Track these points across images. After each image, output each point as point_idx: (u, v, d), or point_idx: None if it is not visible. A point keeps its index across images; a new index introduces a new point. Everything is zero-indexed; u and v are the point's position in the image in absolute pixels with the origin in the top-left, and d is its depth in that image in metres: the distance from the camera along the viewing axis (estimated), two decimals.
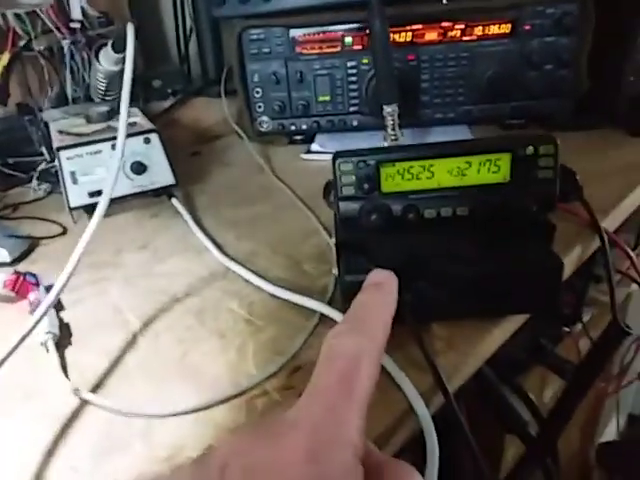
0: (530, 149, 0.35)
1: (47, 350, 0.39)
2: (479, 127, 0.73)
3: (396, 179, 0.37)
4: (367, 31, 0.67)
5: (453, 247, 0.37)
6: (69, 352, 0.40)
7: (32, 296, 0.45)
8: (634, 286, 0.81)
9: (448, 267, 0.36)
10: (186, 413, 0.34)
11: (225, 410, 0.34)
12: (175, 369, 0.38)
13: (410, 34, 0.67)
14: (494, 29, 0.65)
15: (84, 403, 0.35)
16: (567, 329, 0.74)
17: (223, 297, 0.45)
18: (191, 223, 0.57)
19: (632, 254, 0.47)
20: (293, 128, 0.73)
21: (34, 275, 0.46)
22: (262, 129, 0.74)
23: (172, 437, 0.32)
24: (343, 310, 0.40)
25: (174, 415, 0.34)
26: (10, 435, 0.34)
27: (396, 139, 0.51)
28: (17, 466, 0.31)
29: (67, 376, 0.37)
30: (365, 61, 0.68)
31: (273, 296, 0.44)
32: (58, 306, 0.45)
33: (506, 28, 0.65)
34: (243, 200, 0.63)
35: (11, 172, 0.67)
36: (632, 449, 1.00)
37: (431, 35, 0.67)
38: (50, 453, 0.32)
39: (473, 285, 0.36)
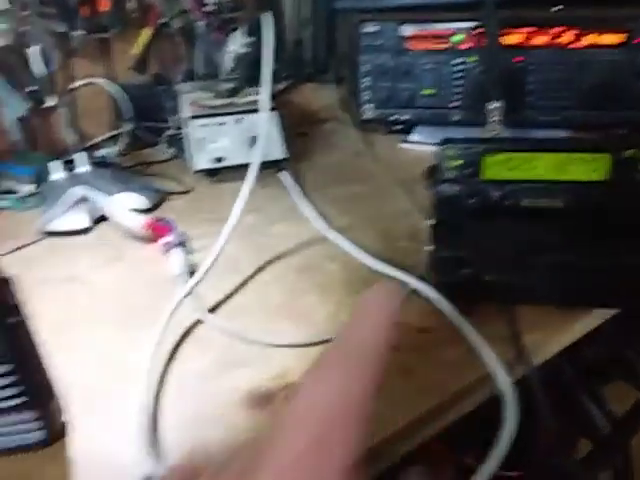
0: (630, 152, 0.38)
1: (181, 283, 0.47)
2: (580, 134, 0.74)
3: (498, 168, 0.41)
4: (476, 30, 0.70)
5: (545, 237, 0.40)
6: (197, 287, 0.48)
7: (167, 238, 0.53)
8: None
9: (538, 255, 0.40)
10: (292, 346, 0.40)
11: (325, 349, 0.40)
12: (284, 311, 0.44)
13: (521, 36, 0.69)
14: (607, 39, 0.66)
15: (210, 326, 0.42)
16: None
17: (324, 260, 0.51)
18: (297, 195, 0.63)
19: None
20: (395, 118, 0.77)
21: (169, 220, 0.54)
22: (366, 117, 0.79)
23: (283, 362, 0.39)
24: (433, 285, 0.45)
25: (285, 346, 0.40)
26: (149, 346, 0.41)
27: (497, 135, 0.55)
28: (155, 371, 0.38)
29: (197, 304, 0.45)
30: (471, 59, 0.71)
31: (368, 266, 0.50)
32: (188, 250, 0.53)
33: (620, 38, 0.66)
34: (344, 180, 0.69)
35: (144, 134, 0.76)
36: None
37: (542, 39, 0.69)
38: (182, 362, 0.39)
39: (560, 274, 0.39)
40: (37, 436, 0.32)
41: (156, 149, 0.77)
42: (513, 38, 0.69)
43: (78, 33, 0.70)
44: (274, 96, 0.86)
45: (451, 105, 0.74)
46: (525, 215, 0.41)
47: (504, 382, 0.35)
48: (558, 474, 0.42)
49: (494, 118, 0.54)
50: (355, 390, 0.18)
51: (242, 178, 0.70)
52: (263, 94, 0.51)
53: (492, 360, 0.37)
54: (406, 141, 0.77)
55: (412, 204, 0.60)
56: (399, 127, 0.80)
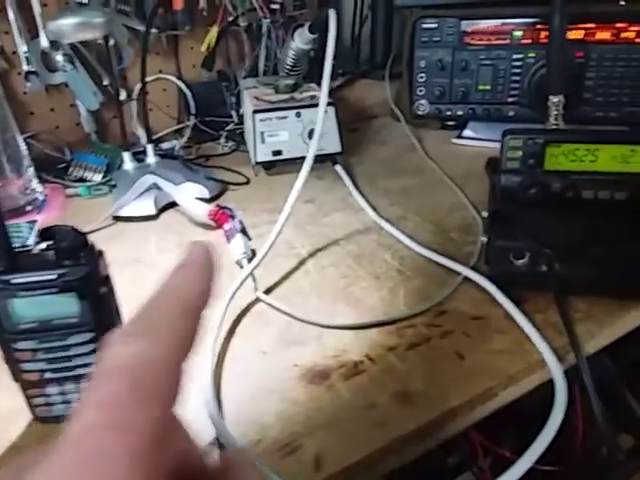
0: None
1: (241, 267, 0.49)
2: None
3: (560, 159, 0.41)
4: (537, 26, 0.69)
5: (604, 228, 0.40)
6: (256, 271, 0.50)
7: (228, 225, 0.55)
8: None
9: (597, 246, 0.40)
10: (349, 328, 0.42)
11: (379, 332, 0.41)
12: (339, 295, 0.46)
13: (582, 32, 0.68)
14: None
15: (269, 307, 0.45)
16: None
17: (378, 248, 0.53)
18: (351, 187, 0.65)
19: None
20: (449, 113, 0.78)
21: (231, 209, 0.57)
22: (419, 112, 0.79)
23: (338, 343, 0.40)
24: (488, 274, 0.45)
25: (340, 328, 0.41)
26: (211, 324, 0.42)
27: (558, 129, 0.54)
28: (217, 346, 0.41)
29: (256, 286, 0.47)
30: (532, 54, 0.70)
31: (421, 255, 0.51)
32: (247, 237, 0.56)
33: None
34: (396, 173, 0.70)
35: (205, 129, 0.80)
36: None
37: (604, 34, 0.67)
38: (243, 340, 0.42)
39: (618, 266, 0.39)
40: None
41: (217, 143, 0.80)
42: (574, 33, 0.68)
43: (152, 31, 0.74)
44: (331, 91, 0.88)
45: (507, 101, 0.74)
46: (586, 206, 0.41)
47: (555, 369, 0.36)
48: (598, 469, 0.41)
49: (555, 112, 0.54)
50: (160, 352, 0.14)
51: (298, 170, 0.72)
52: (323, 89, 0.53)
53: (543, 348, 0.37)
54: (459, 137, 0.77)
55: (463, 198, 0.60)
56: (452, 123, 0.80)
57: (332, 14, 0.55)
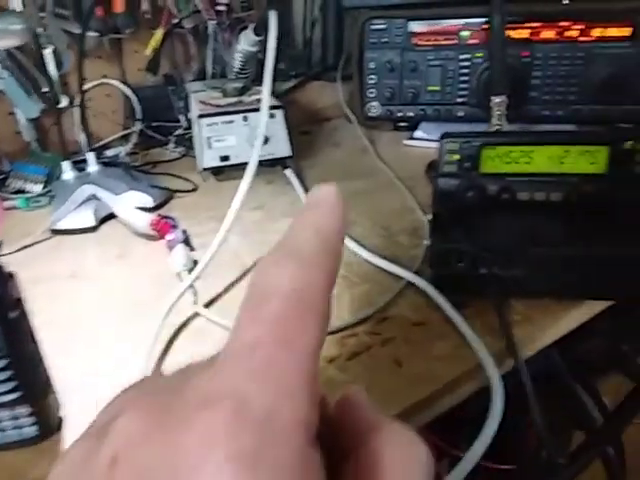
0: (629, 144, 0.37)
1: (181, 279, 0.48)
2: (587, 128, 0.73)
3: (495, 161, 0.41)
4: (484, 26, 0.69)
5: (542, 230, 0.40)
6: (198, 283, 0.49)
7: (170, 236, 0.54)
8: None
9: (534, 247, 0.40)
10: None
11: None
12: None
13: (527, 31, 0.68)
14: (613, 32, 0.65)
15: (205, 320, 0.43)
16: None
17: None
18: (300, 191, 0.64)
19: None
20: (400, 115, 0.78)
21: (173, 218, 0.55)
22: (371, 114, 0.79)
23: None
24: (430, 278, 0.45)
25: None
26: (146, 341, 0.41)
27: (501, 129, 0.55)
28: (149, 366, 0.39)
29: (195, 299, 0.45)
30: (479, 55, 0.71)
31: (367, 261, 0.50)
32: (191, 247, 0.54)
33: (626, 31, 0.65)
34: (348, 176, 0.69)
35: (153, 134, 0.78)
36: None
37: (548, 33, 0.68)
38: (176, 355, 0.40)
39: (557, 266, 0.39)
40: (31, 431, 0.32)
41: (166, 148, 0.78)
42: (520, 33, 0.69)
43: (92, 34, 0.72)
44: (282, 94, 0.87)
45: (456, 101, 0.74)
46: (522, 208, 0.41)
47: (492, 374, 0.35)
48: (547, 467, 0.42)
49: (498, 112, 0.54)
50: (313, 278, 0.15)
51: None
52: (264, 92, 0.52)
53: (482, 353, 0.37)
54: (410, 138, 0.77)
55: (414, 200, 0.60)
56: (404, 124, 0.80)
57: (273, 15, 0.54)
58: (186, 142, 0.76)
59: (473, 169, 0.41)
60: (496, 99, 0.53)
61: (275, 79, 0.87)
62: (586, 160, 0.39)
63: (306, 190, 0.65)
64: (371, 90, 0.77)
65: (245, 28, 0.65)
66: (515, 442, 0.63)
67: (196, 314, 0.44)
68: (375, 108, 0.79)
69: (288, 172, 0.68)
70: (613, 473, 0.64)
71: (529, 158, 0.40)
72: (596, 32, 0.66)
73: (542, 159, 0.39)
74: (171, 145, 0.77)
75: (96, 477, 0.13)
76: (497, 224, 0.41)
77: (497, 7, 0.52)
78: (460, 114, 0.75)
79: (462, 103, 0.74)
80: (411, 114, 0.77)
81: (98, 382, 0.38)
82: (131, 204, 0.58)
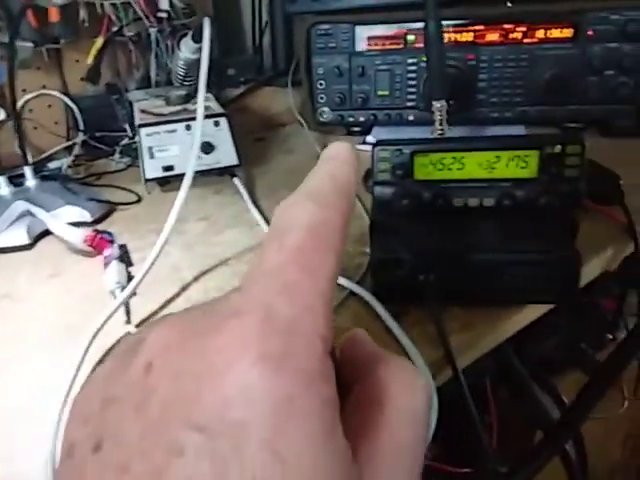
0: (558, 148, 0.37)
1: (114, 297, 0.46)
2: (536, 128, 0.74)
3: (429, 168, 0.40)
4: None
5: (477, 235, 0.40)
6: (132, 300, 0.47)
7: (107, 252, 0.52)
8: None
9: (470, 253, 0.39)
10: None
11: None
12: None
13: (471, 34, 0.69)
14: (556, 33, 0.66)
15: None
16: (611, 336, 0.73)
17: None
18: (248, 201, 0.62)
19: None
20: (351, 120, 0.77)
21: (110, 234, 0.53)
22: (322, 119, 0.78)
23: None
24: (371, 287, 0.44)
25: None
26: (71, 365, 0.40)
27: (442, 134, 0.54)
28: (73, 393, 0.37)
29: (128, 319, 0.44)
30: (425, 59, 0.70)
31: None
32: (128, 262, 0.52)
33: (568, 33, 0.65)
34: (298, 184, 0.67)
35: (97, 145, 0.75)
36: None
37: (492, 36, 0.68)
38: None
39: (493, 272, 0.39)
40: None
41: (111, 159, 0.76)
42: (464, 36, 0.69)
43: (26, 44, 0.69)
44: (231, 101, 0.86)
45: (406, 105, 0.73)
46: (458, 214, 0.40)
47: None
48: (501, 469, 0.41)
49: (439, 117, 0.54)
50: (330, 217, 0.16)
51: (194, 186, 0.69)
52: (199, 101, 0.50)
53: (419, 362, 0.36)
54: (363, 142, 0.76)
55: (362, 206, 0.59)
56: (357, 129, 0.80)
57: (206, 22, 0.52)
58: (132, 152, 0.74)
59: (407, 176, 0.40)
60: (437, 104, 0.53)
61: (224, 86, 0.86)
62: (517, 165, 0.38)
63: (254, 199, 0.63)
64: (321, 95, 0.77)
65: (185, 35, 0.64)
66: (472, 444, 0.63)
67: (128, 334, 0.42)
68: (326, 113, 0.78)
69: (236, 181, 0.66)
70: (573, 472, 0.64)
71: (461, 164, 0.39)
72: (539, 34, 0.67)
73: (474, 165, 0.39)
74: (117, 155, 0.75)
75: (131, 383, 0.14)
76: (433, 231, 0.41)
77: (432, 13, 0.52)
78: (411, 118, 0.75)
79: (412, 107, 0.74)
80: (362, 119, 0.76)
81: (19, 409, 0.36)
82: (67, 219, 0.56)
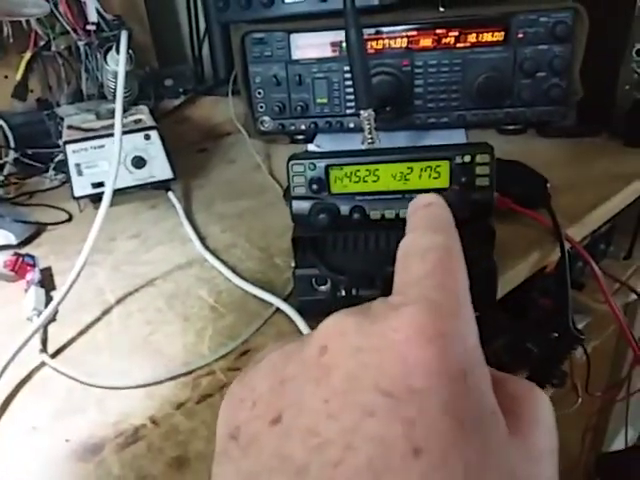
0: (467, 157, 0.37)
1: (32, 323, 0.44)
2: (476, 131, 0.74)
3: (345, 181, 0.39)
4: (365, 36, 0.69)
5: (395, 247, 0.39)
6: (51, 326, 0.45)
7: (29, 276, 0.50)
8: (633, 295, 0.80)
9: (391, 266, 0.38)
10: (137, 387, 0.38)
11: (172, 386, 0.38)
12: (138, 346, 0.42)
13: (405, 40, 0.68)
14: (487, 36, 0.66)
15: (52, 370, 0.40)
16: (556, 334, 0.73)
17: (195, 284, 0.49)
18: (182, 215, 0.61)
19: (593, 262, 0.48)
20: (292, 128, 0.76)
21: (32, 257, 0.51)
22: (263, 128, 0.77)
23: (122, 406, 0.36)
24: (295, 304, 0.43)
25: (126, 388, 0.37)
26: None
27: (372, 142, 0.54)
28: None
29: (43, 347, 0.42)
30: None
31: (238, 287, 0.48)
32: (50, 286, 0.50)
33: (499, 36, 0.66)
34: (236, 196, 0.67)
35: (29, 162, 0.73)
36: (635, 460, 0.98)
37: (425, 41, 0.68)
38: (15, 413, 0.37)
39: None
40: None
41: (45, 176, 0.73)
42: (398, 42, 0.69)
43: None
44: (170, 112, 0.84)
45: (345, 112, 0.73)
46: (375, 227, 0.40)
47: None
48: None
49: (368, 126, 0.53)
50: (453, 241, 0.20)
51: (129, 201, 0.67)
52: (117, 116, 0.49)
53: None
54: (306, 151, 0.75)
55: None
56: (301, 137, 0.79)
57: (123, 35, 0.51)
58: (66, 169, 0.72)
59: (323, 190, 0.40)
60: (364, 113, 0.52)
61: (162, 96, 0.84)
62: (429, 176, 0.38)
63: (189, 213, 0.62)
64: (260, 104, 0.76)
65: (111, 48, 0.62)
66: None
67: (42, 364, 0.41)
68: (267, 122, 0.77)
69: (171, 195, 0.65)
70: None
71: (375, 176, 0.39)
72: (471, 38, 0.67)
73: (388, 177, 0.38)
74: (51, 172, 0.72)
75: (307, 364, 0.16)
76: (353, 245, 0.40)
77: (351, 21, 0.51)
78: (351, 125, 0.74)
79: (352, 114, 0.73)
80: (303, 127, 0.76)
81: None
82: None
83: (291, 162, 0.40)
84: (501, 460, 0.14)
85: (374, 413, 0.14)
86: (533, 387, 0.18)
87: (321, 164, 0.39)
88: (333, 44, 0.71)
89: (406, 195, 0.39)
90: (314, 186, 0.40)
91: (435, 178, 0.38)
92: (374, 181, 0.39)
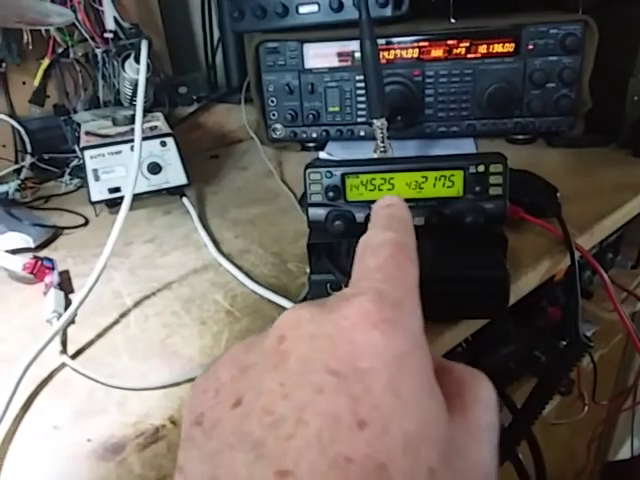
0: (481, 167, 0.38)
1: (51, 326, 0.45)
2: (485, 140, 0.75)
3: (360, 189, 0.40)
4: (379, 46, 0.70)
5: None
6: (70, 328, 0.46)
7: (47, 279, 0.51)
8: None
9: None
10: (156, 388, 0.38)
11: (190, 388, 0.38)
12: (156, 348, 0.43)
13: (417, 50, 0.70)
14: (498, 47, 0.67)
15: (72, 372, 0.41)
16: (564, 342, 0.74)
17: (211, 289, 0.50)
18: (196, 221, 0.62)
19: (602, 271, 0.49)
20: (304, 136, 0.77)
21: (51, 260, 0.52)
22: (275, 136, 0.78)
23: (142, 407, 0.37)
24: None
25: (146, 389, 0.38)
26: (2, 399, 0.39)
27: (385, 151, 0.55)
28: (3, 429, 0.36)
29: (63, 349, 0.43)
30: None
31: (253, 291, 0.49)
32: (68, 289, 0.51)
33: (509, 47, 0.67)
34: (249, 202, 0.68)
35: (46, 167, 0.74)
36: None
37: (437, 52, 0.69)
38: (36, 414, 0.37)
39: (423, 289, 0.39)
40: None
41: (61, 181, 0.74)
42: (410, 52, 0.70)
43: None
44: (184, 119, 0.85)
45: (357, 121, 0.74)
46: None
47: None
48: None
49: (381, 134, 0.54)
50: (407, 238, 0.22)
51: (144, 206, 0.68)
52: (137, 123, 0.50)
53: None
54: (318, 158, 0.77)
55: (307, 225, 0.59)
56: (312, 144, 0.80)
57: (144, 44, 0.52)
58: (82, 173, 0.73)
59: (339, 198, 0.41)
60: (377, 122, 0.53)
61: (176, 104, 0.85)
62: (444, 185, 0.39)
63: (203, 219, 0.63)
64: (273, 112, 0.77)
65: (129, 56, 0.63)
66: None
67: (63, 365, 0.42)
68: (279, 130, 0.78)
69: (185, 201, 0.66)
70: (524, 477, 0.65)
71: (390, 185, 0.40)
72: (482, 49, 0.68)
73: (402, 185, 0.39)
74: (66, 177, 0.73)
75: (266, 352, 0.18)
76: None
77: (366, 32, 0.52)
78: (362, 133, 0.75)
79: (363, 123, 0.74)
80: (314, 135, 0.77)
81: None
82: (9, 246, 0.55)
83: (308, 170, 0.41)
84: (439, 432, 0.16)
85: (323, 391, 0.16)
86: (478, 373, 0.19)
87: (337, 172, 0.40)
88: (345, 54, 0.72)
89: (420, 203, 0.40)
90: (330, 194, 0.41)
91: (449, 187, 0.39)
92: (389, 189, 0.40)
